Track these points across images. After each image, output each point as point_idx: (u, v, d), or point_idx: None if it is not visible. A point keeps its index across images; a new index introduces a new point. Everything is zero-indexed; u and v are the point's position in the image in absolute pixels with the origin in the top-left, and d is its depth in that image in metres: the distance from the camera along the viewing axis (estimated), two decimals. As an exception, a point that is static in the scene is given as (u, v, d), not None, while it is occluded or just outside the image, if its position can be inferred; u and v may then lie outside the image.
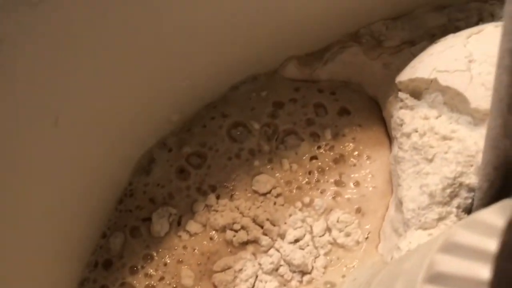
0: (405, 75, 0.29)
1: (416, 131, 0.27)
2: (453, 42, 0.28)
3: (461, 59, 0.26)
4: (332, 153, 0.32)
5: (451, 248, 0.16)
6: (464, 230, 0.16)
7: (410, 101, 0.29)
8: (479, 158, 0.23)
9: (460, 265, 0.15)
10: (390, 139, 0.32)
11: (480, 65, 0.26)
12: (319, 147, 0.32)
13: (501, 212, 0.15)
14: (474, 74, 0.26)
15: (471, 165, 0.25)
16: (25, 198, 0.25)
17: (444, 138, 0.26)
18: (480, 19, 0.34)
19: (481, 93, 0.25)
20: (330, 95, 0.34)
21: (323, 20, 0.33)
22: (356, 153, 0.32)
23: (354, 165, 0.32)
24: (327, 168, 0.32)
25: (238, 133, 0.33)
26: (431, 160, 0.27)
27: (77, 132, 0.27)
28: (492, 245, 0.14)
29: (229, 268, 0.29)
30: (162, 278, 0.29)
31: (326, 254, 0.29)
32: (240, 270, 0.29)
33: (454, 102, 0.26)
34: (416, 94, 0.29)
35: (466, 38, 0.27)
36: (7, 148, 0.23)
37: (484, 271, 0.14)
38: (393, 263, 0.24)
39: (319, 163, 0.32)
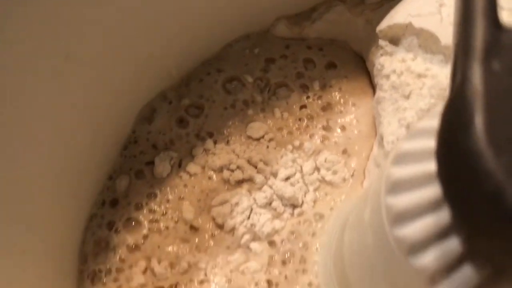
0: (384, 24, 0.32)
1: (394, 72, 0.30)
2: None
3: (432, 3, 0.29)
4: (320, 102, 0.35)
5: (400, 158, 0.17)
6: (407, 140, 0.18)
7: (389, 47, 0.31)
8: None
9: (411, 169, 0.17)
10: (373, 88, 0.35)
11: (449, 8, 0.29)
12: (308, 97, 0.35)
13: (434, 116, 0.17)
14: (444, 16, 0.29)
15: (444, 98, 0.28)
16: (36, 138, 0.27)
17: (419, 76, 0.29)
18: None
19: (450, 31, 0.28)
20: (318, 51, 0.37)
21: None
22: (342, 101, 0.35)
23: (341, 112, 0.34)
24: (315, 115, 0.34)
25: (233, 86, 0.36)
26: (408, 97, 0.29)
27: (84, 79, 0.29)
28: (432, 142, 0.16)
29: (226, 202, 0.31)
30: (165, 213, 0.31)
31: (315, 190, 0.32)
32: (237, 203, 0.31)
33: (428, 43, 0.29)
34: (395, 40, 0.31)
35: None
36: (17, 85, 0.25)
37: (431, 165, 0.15)
38: (365, 191, 0.27)
39: (308, 111, 0.35)
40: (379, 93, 0.31)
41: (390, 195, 0.17)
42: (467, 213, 0.13)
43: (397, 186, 0.17)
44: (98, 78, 0.30)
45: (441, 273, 0.15)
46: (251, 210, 0.31)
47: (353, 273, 0.24)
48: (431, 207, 0.15)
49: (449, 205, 0.14)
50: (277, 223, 0.31)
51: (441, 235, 0.15)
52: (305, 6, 0.37)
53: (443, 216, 0.15)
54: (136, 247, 0.30)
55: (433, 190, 0.15)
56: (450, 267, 0.15)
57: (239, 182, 0.32)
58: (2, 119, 0.24)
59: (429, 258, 0.15)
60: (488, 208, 0.12)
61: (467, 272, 0.14)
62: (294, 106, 0.35)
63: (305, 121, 0.34)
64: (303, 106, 0.35)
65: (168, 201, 0.32)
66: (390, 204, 0.16)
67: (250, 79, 0.35)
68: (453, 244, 0.14)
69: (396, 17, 0.31)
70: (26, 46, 0.25)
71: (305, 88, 0.35)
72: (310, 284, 0.29)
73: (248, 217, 0.31)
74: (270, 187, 0.32)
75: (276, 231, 0.31)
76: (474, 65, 0.13)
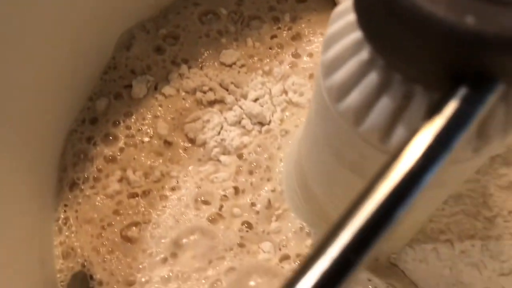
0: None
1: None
2: None
3: None
4: (290, 32, 0.37)
5: (329, 42, 0.19)
6: (330, 26, 0.19)
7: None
8: None
9: (339, 47, 0.18)
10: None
11: None
12: (279, 28, 0.37)
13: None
14: None
15: None
16: (26, 55, 0.29)
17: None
18: None
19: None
20: (289, -13, 0.39)
21: None
22: (311, 31, 0.37)
23: (309, 40, 0.36)
24: (285, 44, 0.36)
25: (208, 18, 0.37)
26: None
27: (67, 8, 0.31)
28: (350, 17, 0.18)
29: (198, 119, 0.33)
30: (140, 129, 0.33)
31: (282, 110, 0.34)
32: (208, 120, 0.33)
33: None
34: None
35: None
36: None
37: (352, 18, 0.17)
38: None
39: (279, 41, 0.36)
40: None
41: (325, 79, 0.19)
42: (377, 34, 0.15)
43: (331, 65, 0.18)
44: (81, 8, 0.32)
45: (364, 109, 0.17)
46: (222, 127, 0.33)
47: (307, 164, 0.26)
48: (353, 50, 0.17)
49: (366, 38, 0.16)
50: (246, 139, 0.33)
51: (362, 73, 0.17)
52: None
53: (363, 54, 0.17)
54: (112, 159, 0.32)
55: (354, 36, 0.17)
56: (370, 102, 0.17)
57: (211, 103, 0.34)
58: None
59: (353, 97, 0.17)
60: (386, 13, 0.13)
61: (384, 101, 0.16)
62: (266, 36, 0.37)
63: (275, 49, 0.36)
64: (273, 36, 0.37)
65: (144, 119, 0.34)
66: (323, 59, 0.18)
67: (224, 12, 0.37)
68: (372, 78, 0.16)
69: None
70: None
71: (276, 20, 0.37)
72: (274, 190, 0.31)
73: (219, 133, 0.33)
74: (240, 107, 0.34)
75: (244, 145, 0.33)
76: None
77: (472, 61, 0.13)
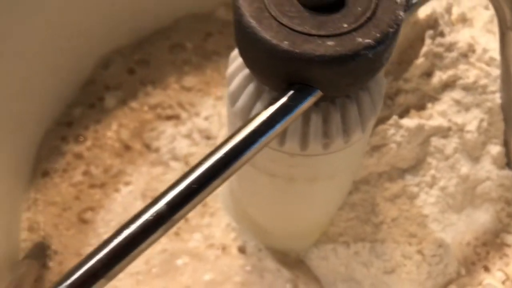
0: None
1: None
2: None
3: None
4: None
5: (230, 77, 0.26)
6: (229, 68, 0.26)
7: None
8: None
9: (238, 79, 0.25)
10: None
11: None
12: (234, 63, 0.44)
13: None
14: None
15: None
16: (20, 59, 0.36)
17: None
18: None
19: None
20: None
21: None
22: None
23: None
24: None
25: (176, 49, 0.45)
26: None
27: (55, 30, 0.38)
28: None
29: (155, 129, 0.40)
30: (105, 134, 0.40)
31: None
32: (163, 131, 0.40)
33: None
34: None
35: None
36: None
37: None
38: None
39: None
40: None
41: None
42: (250, 60, 0.22)
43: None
44: (71, 32, 0.39)
45: (248, 108, 0.24)
46: (175, 138, 0.40)
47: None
48: (240, 69, 0.24)
49: (246, 65, 0.22)
50: (193, 149, 0.39)
51: (245, 84, 0.23)
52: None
53: (246, 71, 0.23)
54: (80, 156, 0.39)
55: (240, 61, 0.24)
56: (251, 103, 0.23)
57: (168, 117, 0.41)
58: None
59: (241, 99, 0.24)
60: (253, 48, 0.20)
61: (261, 103, 0.23)
62: (222, 68, 0.44)
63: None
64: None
65: (110, 125, 0.40)
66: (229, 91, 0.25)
67: (190, 45, 0.45)
68: (251, 88, 0.23)
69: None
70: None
71: (233, 56, 0.44)
72: (210, 191, 0.37)
73: (171, 143, 0.40)
74: (192, 123, 0.41)
75: (191, 154, 0.39)
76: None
77: (294, 73, 0.20)
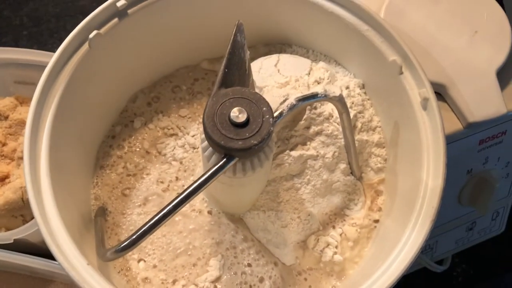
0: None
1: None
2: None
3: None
4: (215, 103, 0.73)
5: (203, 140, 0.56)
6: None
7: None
8: None
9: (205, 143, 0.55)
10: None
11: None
12: (210, 100, 0.74)
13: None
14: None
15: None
16: (92, 115, 0.65)
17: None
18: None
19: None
20: (220, 78, 0.75)
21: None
22: (226, 104, 0.73)
23: (224, 108, 0.73)
24: (212, 109, 0.73)
25: (176, 89, 0.74)
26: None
27: (99, 91, 0.67)
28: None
29: (163, 142, 0.69)
30: (135, 144, 0.70)
31: (205, 142, 0.71)
32: (168, 143, 0.69)
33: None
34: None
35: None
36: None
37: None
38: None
39: (209, 106, 0.73)
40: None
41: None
42: (210, 143, 0.51)
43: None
44: (112, 80, 0.68)
45: (209, 156, 0.53)
46: (174, 147, 0.70)
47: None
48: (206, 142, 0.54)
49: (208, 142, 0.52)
50: (185, 154, 0.69)
51: (208, 147, 0.53)
52: (219, 53, 0.76)
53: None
54: (121, 157, 0.69)
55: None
56: (218, 161, 0.53)
57: (171, 135, 0.70)
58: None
59: (212, 159, 0.53)
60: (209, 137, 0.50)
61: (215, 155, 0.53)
62: (203, 102, 0.73)
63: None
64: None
65: (137, 138, 0.70)
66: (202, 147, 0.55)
67: (184, 87, 0.74)
68: (210, 149, 0.53)
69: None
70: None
71: (209, 95, 0.74)
72: (193, 180, 0.68)
73: (172, 150, 0.70)
74: (185, 138, 0.70)
75: (184, 157, 0.69)
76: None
77: (226, 152, 0.50)
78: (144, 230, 0.48)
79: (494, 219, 0.77)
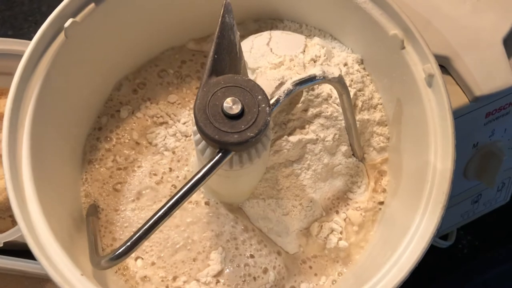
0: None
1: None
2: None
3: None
4: (205, 86, 0.69)
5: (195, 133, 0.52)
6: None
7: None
8: None
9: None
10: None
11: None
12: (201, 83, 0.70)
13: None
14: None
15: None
16: (74, 103, 0.61)
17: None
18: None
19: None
20: (209, 58, 0.71)
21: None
22: (216, 86, 0.69)
23: (215, 92, 0.69)
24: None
25: (162, 74, 0.70)
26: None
27: (88, 78, 0.63)
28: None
29: (153, 132, 0.66)
30: (124, 135, 0.66)
31: (197, 129, 0.67)
32: (159, 133, 0.65)
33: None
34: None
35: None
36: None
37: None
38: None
39: (199, 90, 0.69)
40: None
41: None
42: (203, 137, 0.48)
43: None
44: (98, 67, 0.64)
45: (203, 149, 0.50)
46: (166, 136, 0.66)
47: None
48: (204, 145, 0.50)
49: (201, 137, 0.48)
50: (177, 143, 0.66)
51: (201, 140, 0.50)
52: (205, 32, 0.71)
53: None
54: (109, 150, 0.65)
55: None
56: (213, 156, 0.50)
57: (161, 123, 0.67)
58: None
59: (206, 153, 0.50)
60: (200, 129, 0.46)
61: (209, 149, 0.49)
62: (193, 87, 0.69)
63: (197, 95, 0.69)
64: (197, 87, 0.69)
65: (125, 129, 0.66)
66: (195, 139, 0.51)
67: (171, 71, 0.70)
68: (204, 143, 0.49)
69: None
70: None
71: (200, 78, 0.69)
72: (188, 170, 0.64)
73: (164, 140, 0.66)
74: (176, 126, 0.67)
75: (176, 147, 0.65)
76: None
77: (221, 146, 0.46)
78: (139, 235, 0.45)
79: (500, 190, 0.75)
